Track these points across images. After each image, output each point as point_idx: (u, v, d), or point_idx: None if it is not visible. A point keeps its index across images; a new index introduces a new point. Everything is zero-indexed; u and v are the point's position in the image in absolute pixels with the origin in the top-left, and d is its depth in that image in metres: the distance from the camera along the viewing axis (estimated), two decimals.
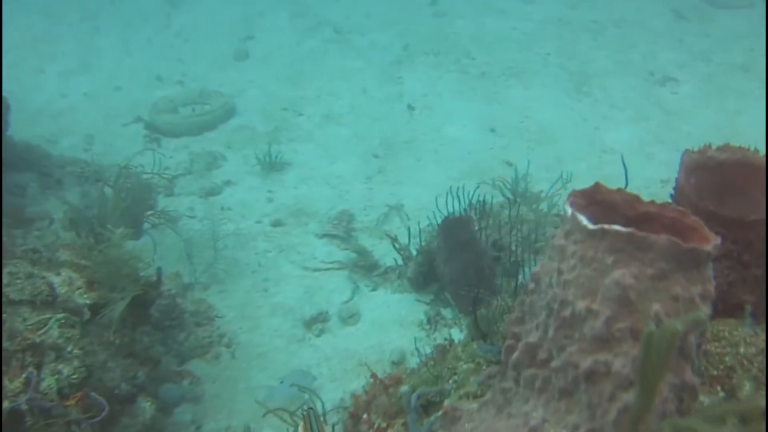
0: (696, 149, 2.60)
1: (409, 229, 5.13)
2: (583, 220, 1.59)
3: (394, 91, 8.40)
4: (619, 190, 1.74)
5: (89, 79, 8.74)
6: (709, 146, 2.61)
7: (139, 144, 7.41)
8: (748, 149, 2.60)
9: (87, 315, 3.53)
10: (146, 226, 5.86)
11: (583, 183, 6.61)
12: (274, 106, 8.09)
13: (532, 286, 1.80)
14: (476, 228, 4.41)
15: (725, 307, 2.67)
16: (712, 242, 1.55)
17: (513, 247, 4.51)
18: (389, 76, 8.77)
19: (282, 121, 7.77)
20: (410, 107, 8.02)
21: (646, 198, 1.86)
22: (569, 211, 1.64)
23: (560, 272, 1.66)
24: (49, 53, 9.48)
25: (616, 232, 1.54)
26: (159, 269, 4.12)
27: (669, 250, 1.51)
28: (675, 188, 2.63)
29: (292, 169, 6.90)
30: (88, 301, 3.56)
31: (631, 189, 6.84)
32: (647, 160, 6.79)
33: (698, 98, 7.89)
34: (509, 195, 5.80)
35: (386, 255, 5.41)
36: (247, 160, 6.99)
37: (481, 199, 5.86)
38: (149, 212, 5.74)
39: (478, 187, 5.37)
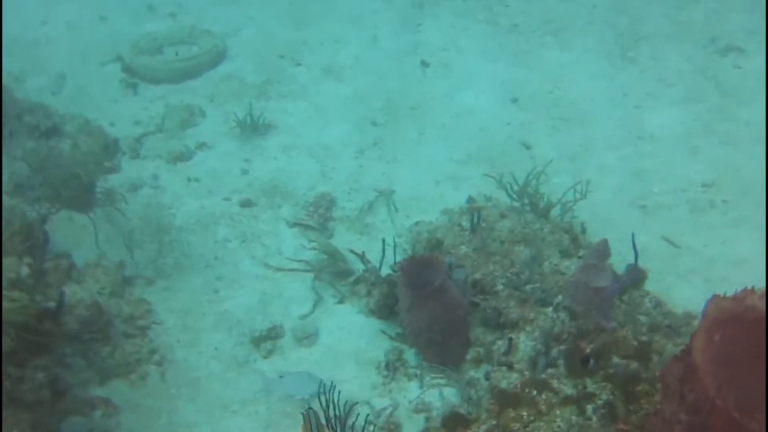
0: (727, 296, 1.70)
1: (383, 241, 4.31)
2: None
3: (410, 42, 7.31)
4: None
5: (74, 5, 7.81)
6: (752, 291, 1.71)
7: (115, 89, 6.63)
8: None
9: None
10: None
11: (610, 180, 5.45)
12: (271, 51, 7.10)
13: None
14: (448, 269, 3.54)
15: None
16: None
17: (497, 288, 3.67)
18: (407, 22, 7.62)
19: (276, 72, 6.82)
20: (424, 63, 6.98)
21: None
22: None
23: None
24: None
25: None
26: (62, 294, 3.44)
27: None
28: (685, 351, 1.74)
29: (276, 134, 6.03)
30: None
31: (667, 191, 5.67)
32: (691, 156, 5.72)
33: (765, 77, 6.64)
34: (514, 197, 4.88)
35: None
36: (229, 118, 6.10)
37: (479, 196, 5.01)
38: (100, 189, 5.02)
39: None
